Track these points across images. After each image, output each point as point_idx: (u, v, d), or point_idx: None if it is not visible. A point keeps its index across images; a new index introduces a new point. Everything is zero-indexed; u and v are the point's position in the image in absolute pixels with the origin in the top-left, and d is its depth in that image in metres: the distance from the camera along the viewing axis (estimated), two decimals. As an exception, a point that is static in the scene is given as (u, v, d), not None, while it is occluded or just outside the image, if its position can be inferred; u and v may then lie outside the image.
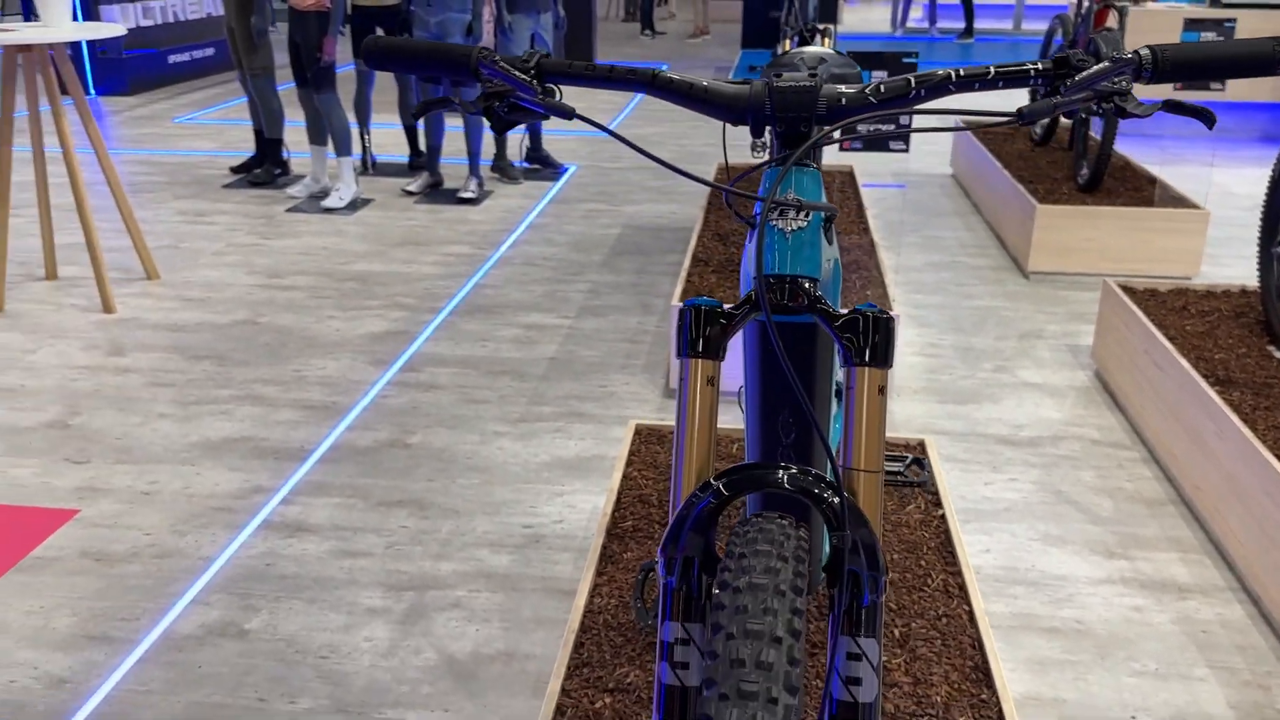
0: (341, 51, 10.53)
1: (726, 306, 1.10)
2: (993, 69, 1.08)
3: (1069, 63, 1.06)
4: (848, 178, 5.19)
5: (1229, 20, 5.66)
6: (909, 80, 1.09)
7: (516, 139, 7.06)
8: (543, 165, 6.49)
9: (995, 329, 4.05)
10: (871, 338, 1.04)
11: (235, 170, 6.32)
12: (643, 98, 9.15)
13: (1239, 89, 8.74)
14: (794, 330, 1.18)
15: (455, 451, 3.11)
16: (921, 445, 2.58)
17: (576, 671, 1.78)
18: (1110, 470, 3.03)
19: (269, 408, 3.38)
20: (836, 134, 1.12)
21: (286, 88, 8.56)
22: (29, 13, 9.87)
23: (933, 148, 7.18)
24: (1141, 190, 4.81)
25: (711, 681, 0.81)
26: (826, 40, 4.26)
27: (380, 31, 5.74)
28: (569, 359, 3.76)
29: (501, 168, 6.27)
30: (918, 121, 3.67)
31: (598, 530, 2.23)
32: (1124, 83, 1.02)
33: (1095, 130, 5.36)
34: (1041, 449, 3.15)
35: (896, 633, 1.88)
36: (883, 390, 1.04)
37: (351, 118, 6.36)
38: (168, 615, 2.39)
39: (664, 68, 1.17)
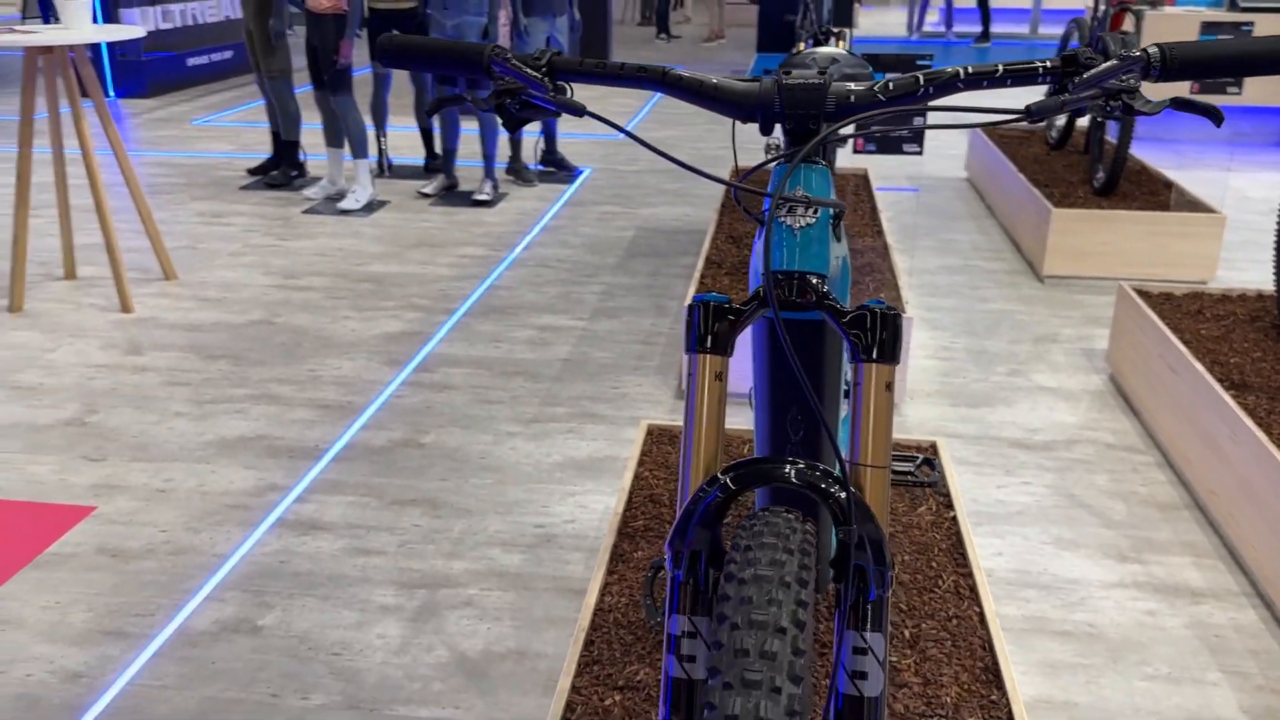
0: (358, 54, 10.58)
1: (735, 303, 1.11)
2: (1001, 67, 1.08)
3: (1077, 61, 1.06)
4: (862, 180, 5.18)
5: (1246, 23, 5.63)
6: (917, 78, 1.09)
7: (532, 142, 7.09)
8: (558, 168, 6.51)
9: (1009, 332, 4.04)
10: (879, 334, 1.05)
11: (253, 172, 6.36)
12: (658, 100, 9.17)
13: (1256, 92, 8.69)
14: (803, 327, 1.19)
15: (468, 451, 3.12)
16: (933, 447, 2.58)
17: (586, 669, 1.78)
18: (1124, 474, 3.02)
19: (284, 407, 3.40)
20: (849, 129, 1.13)
21: (305, 91, 8.61)
22: (48, 15, 9.97)
23: (947, 151, 7.16)
24: (1157, 194, 4.79)
25: (716, 671, 0.81)
26: (841, 43, 4.26)
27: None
28: (582, 360, 3.77)
29: (517, 170, 6.29)
30: (927, 119, 3.67)
31: (609, 529, 2.24)
32: (1132, 81, 1.02)
33: (1111, 134, 5.34)
34: (1055, 453, 3.14)
35: (907, 633, 1.88)
36: (890, 386, 1.05)
37: (368, 120, 6.40)
38: (182, 611, 2.41)
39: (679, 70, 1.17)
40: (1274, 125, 8.13)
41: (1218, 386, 2.75)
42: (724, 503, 1.00)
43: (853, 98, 1.10)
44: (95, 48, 9.09)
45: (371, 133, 6.59)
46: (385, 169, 6.46)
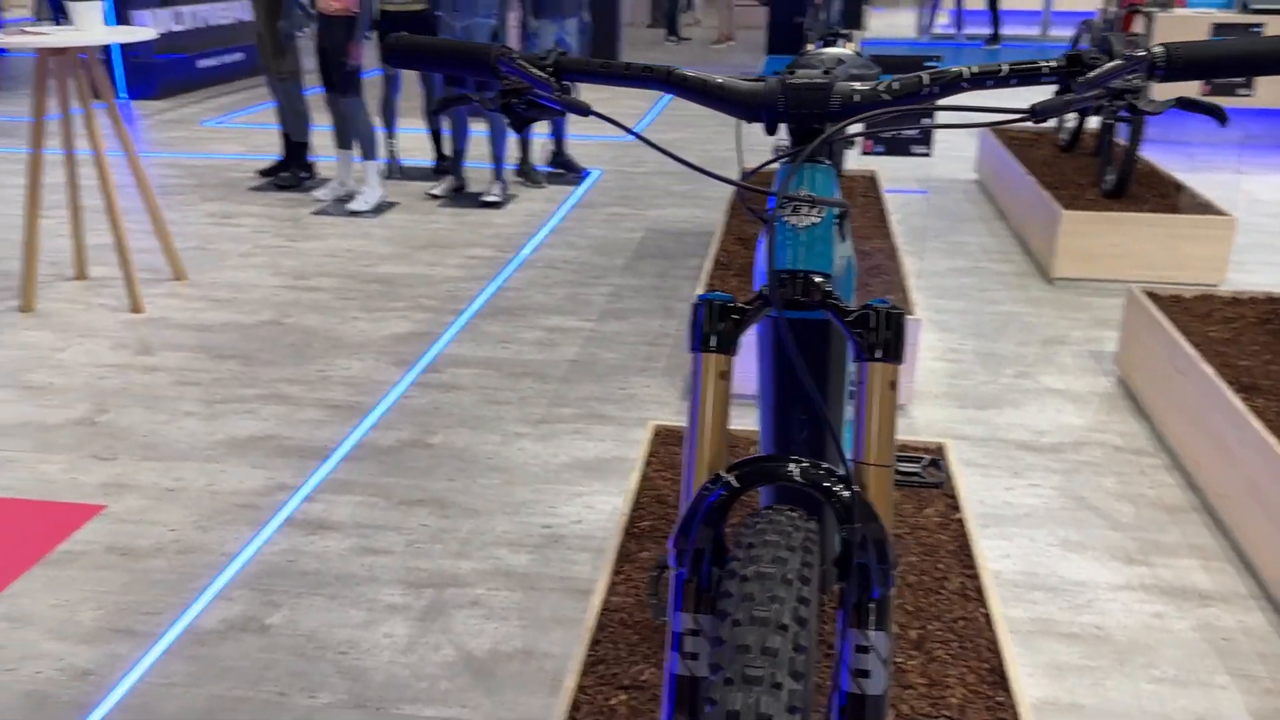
0: (368, 56, 10.62)
1: (740, 302, 1.11)
2: (1005, 66, 1.09)
3: (1082, 61, 1.06)
4: (870, 182, 5.18)
5: (1257, 25, 5.61)
6: (921, 78, 1.09)
7: (540, 144, 7.10)
8: (566, 169, 6.52)
9: (1018, 334, 4.04)
10: (883, 333, 1.05)
11: (263, 173, 6.39)
12: (668, 102, 9.17)
13: (1269, 94, 8.65)
14: (807, 327, 1.19)
15: (476, 452, 3.13)
16: (940, 449, 2.58)
17: (592, 669, 1.79)
18: (1132, 477, 3.01)
19: (293, 407, 3.41)
20: (856, 128, 1.13)
21: (316, 92, 8.64)
22: (59, 16, 10.03)
23: (957, 153, 7.15)
24: (1168, 196, 4.77)
25: (717, 667, 0.82)
26: (850, 45, 4.25)
27: (406, 36, 5.78)
28: (590, 361, 3.78)
29: (525, 172, 6.30)
30: (933, 119, 3.67)
31: (616, 530, 2.24)
32: (1136, 81, 1.02)
33: (1122, 136, 5.33)
34: (1063, 455, 3.14)
35: (913, 635, 1.88)
36: (894, 385, 1.05)
37: (378, 122, 6.42)
38: (190, 610, 2.42)
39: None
40: (1285, 127, 8.09)
41: (1227, 389, 2.74)
42: (727, 501, 1.01)
43: (857, 97, 1.10)
44: (107, 49, 9.13)
45: (381, 134, 6.61)
46: (395, 170, 6.47)
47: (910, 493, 2.36)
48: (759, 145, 7.54)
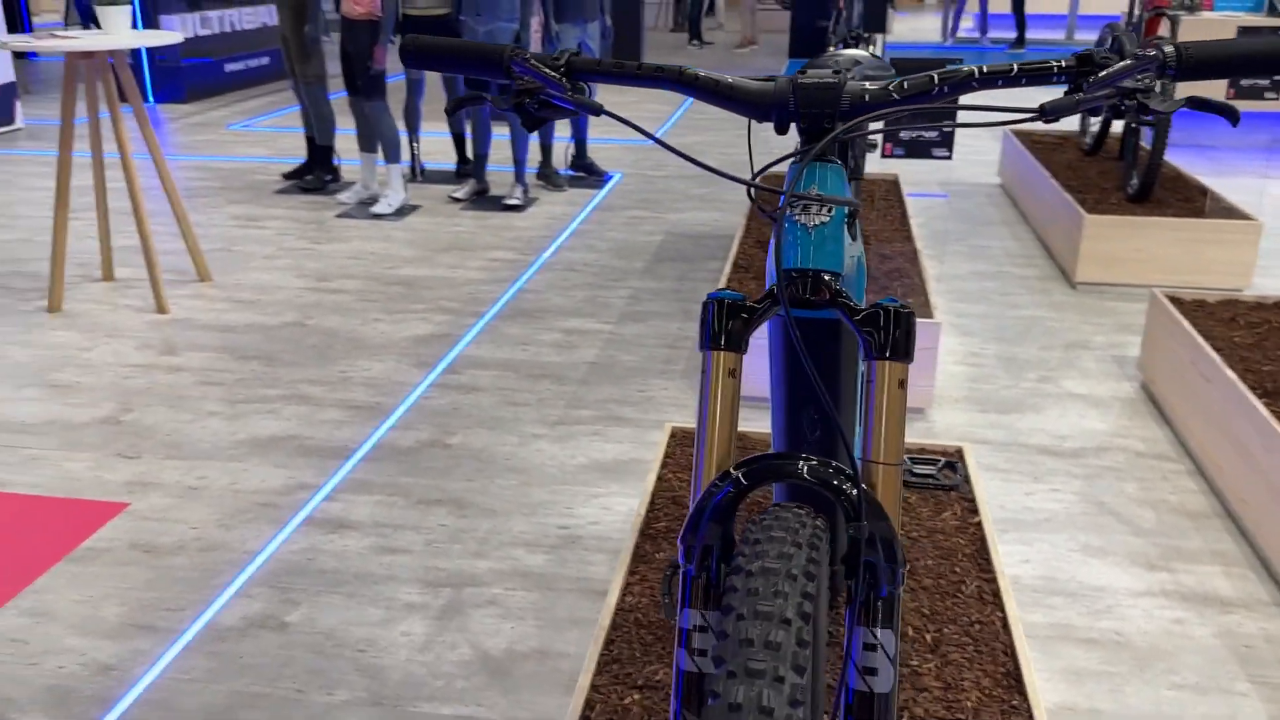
0: (392, 60, 10.70)
1: (750, 301, 1.11)
2: (1016, 66, 1.09)
3: (1092, 60, 1.06)
4: (892, 185, 5.17)
5: (1285, 28, 5.56)
6: (932, 77, 1.10)
7: (562, 147, 7.13)
8: (588, 173, 6.54)
9: (1040, 339, 4.01)
10: (892, 332, 1.05)
11: (287, 176, 6.44)
12: (690, 106, 9.18)
13: (1298, 99, 8.56)
14: (819, 326, 1.19)
15: (494, 452, 3.15)
16: (959, 453, 2.57)
17: (606, 668, 1.79)
18: (1154, 482, 2.99)
19: (315, 407, 3.44)
20: (873, 127, 1.13)
21: (340, 96, 8.71)
22: (88, 21, 10.16)
23: (980, 157, 7.12)
24: (1192, 201, 4.73)
25: (721, 660, 0.82)
26: (871, 48, 4.25)
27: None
28: (609, 363, 3.79)
29: (547, 175, 6.32)
30: (941, 118, 3.64)
31: (631, 530, 2.25)
32: (1147, 80, 1.02)
33: (1146, 140, 5.29)
34: (1084, 460, 3.11)
35: (929, 638, 1.87)
36: (903, 384, 1.05)
37: (401, 126, 6.47)
38: (211, 607, 2.44)
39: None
40: (1314, 132, 8.00)
41: (1250, 395, 2.72)
42: (736, 498, 1.01)
43: (867, 97, 1.10)
44: (135, 54, 9.24)
45: (404, 138, 6.65)
46: (418, 174, 6.51)
47: (927, 495, 2.35)
48: (780, 148, 7.53)
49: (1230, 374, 2.84)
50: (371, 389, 3.58)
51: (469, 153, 6.60)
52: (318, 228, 5.50)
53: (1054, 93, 9.09)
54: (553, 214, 5.76)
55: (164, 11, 9.09)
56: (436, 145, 7.40)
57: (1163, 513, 2.83)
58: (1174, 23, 4.96)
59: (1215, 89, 8.14)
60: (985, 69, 1.09)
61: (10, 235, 5.38)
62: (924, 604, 1.97)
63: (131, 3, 8.60)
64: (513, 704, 2.13)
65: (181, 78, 9.28)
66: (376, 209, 5.69)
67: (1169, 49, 1.03)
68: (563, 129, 7.77)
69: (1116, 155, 5.58)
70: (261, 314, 4.27)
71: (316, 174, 6.24)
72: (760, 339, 3.30)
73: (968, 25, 15.29)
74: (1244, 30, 5.37)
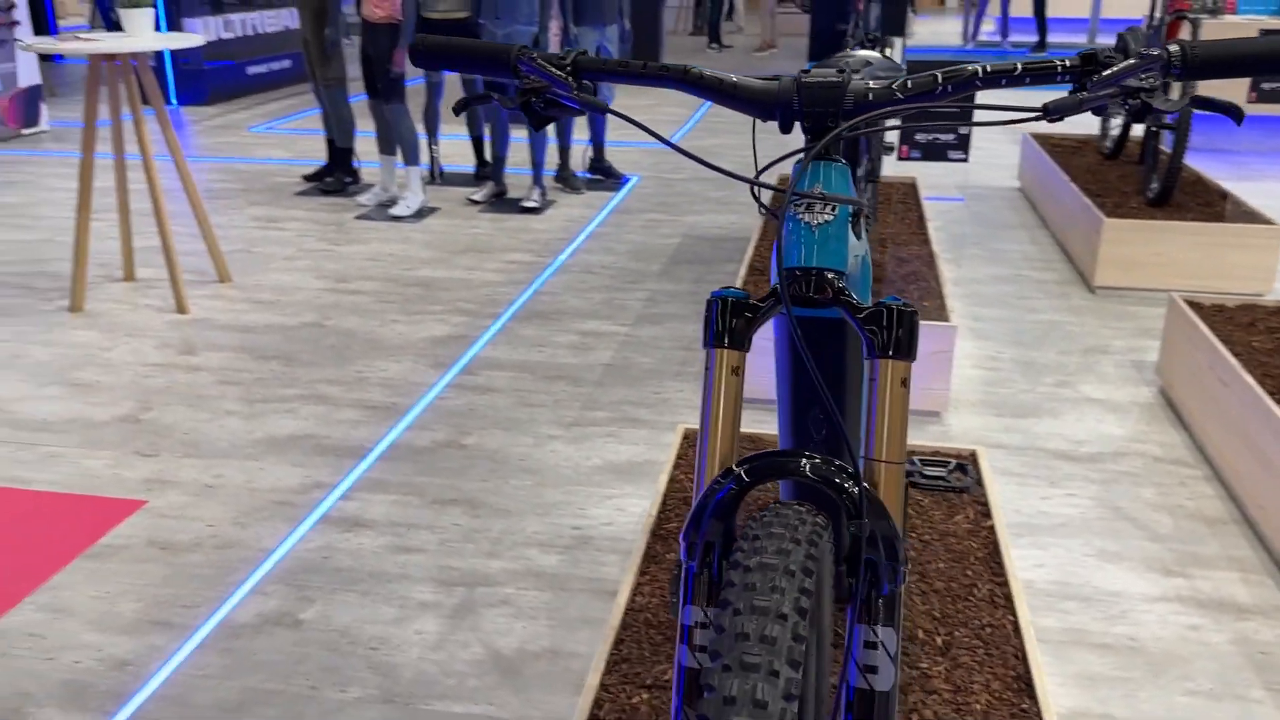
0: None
1: (754, 299, 1.12)
2: (1019, 65, 1.08)
3: (1096, 59, 1.06)
4: (910, 189, 5.15)
5: (1308, 31, 5.51)
6: (935, 76, 1.10)
7: (580, 150, 7.14)
8: (605, 176, 6.55)
9: (1058, 343, 3.99)
10: (895, 330, 1.05)
11: (308, 178, 6.49)
12: (707, 109, 9.18)
13: (1323, 103, 8.48)
14: (823, 325, 1.19)
15: (509, 453, 3.16)
16: (973, 456, 2.56)
17: (615, 667, 1.80)
18: (1171, 488, 2.97)
19: (332, 407, 3.46)
20: (892, 122, 1.13)
21: (361, 99, 8.76)
22: (110, 25, 10.27)
23: (999, 160, 7.09)
24: (1213, 205, 4.70)
25: (717, 654, 0.82)
26: (889, 51, 4.24)
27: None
28: (624, 365, 3.79)
29: (565, 178, 6.34)
30: (942, 117, 3.62)
31: (642, 530, 2.25)
32: (1151, 80, 1.02)
33: (1167, 144, 5.25)
34: (1101, 465, 3.10)
35: (939, 640, 1.87)
36: (905, 383, 1.05)
37: (421, 129, 6.50)
38: (227, 603, 2.46)
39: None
40: (1340, 136, 7.92)
41: (1269, 400, 2.69)
42: (738, 495, 1.01)
43: (870, 96, 1.10)
44: (159, 56, 9.33)
45: (424, 140, 6.69)
46: (436, 176, 6.54)
47: (940, 499, 2.35)
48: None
49: (1249, 379, 2.82)
50: (388, 389, 3.60)
51: (487, 155, 6.63)
52: (337, 229, 5.54)
53: (1060, 93, 9.03)
54: (570, 216, 5.77)
55: (187, 14, 9.18)
56: (455, 148, 7.43)
57: (1179, 518, 2.81)
58: (1195, 25, 4.93)
59: (1237, 92, 8.08)
60: (989, 68, 1.09)
61: (33, 235, 5.44)
62: (935, 607, 1.96)
63: (154, 6, 8.67)
64: (524, 703, 2.13)
65: (204, 80, 9.36)
66: (395, 211, 5.73)
67: (1174, 48, 1.03)
68: (580, 132, 7.79)
69: (1137, 159, 5.55)
70: (280, 314, 4.30)
71: (336, 176, 6.28)
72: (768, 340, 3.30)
73: (989, 29, 15.23)
74: (1266, 34, 5.33)
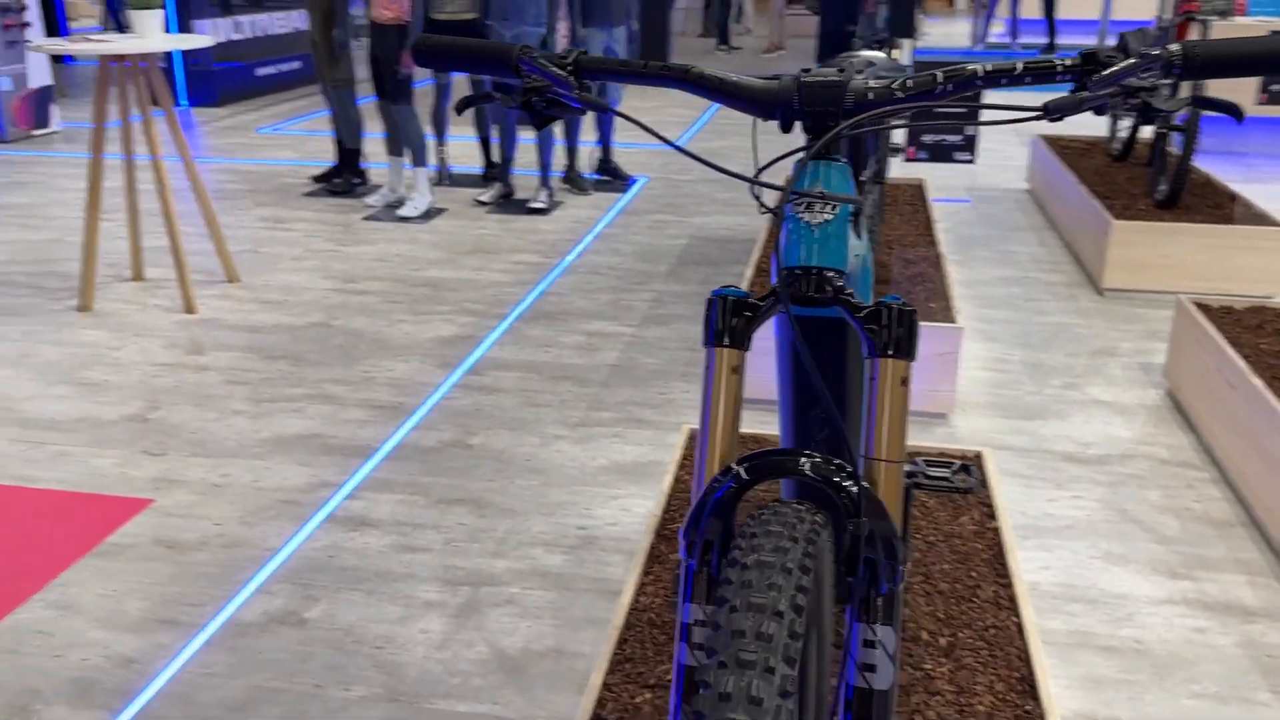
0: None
1: (754, 298, 1.12)
2: (1020, 64, 1.08)
3: (1097, 59, 1.06)
4: (917, 190, 5.15)
5: (1318, 33, 5.49)
6: (935, 75, 1.10)
7: (588, 151, 7.15)
8: (613, 177, 6.56)
9: (1066, 345, 3.98)
10: (895, 330, 1.05)
11: (316, 179, 6.51)
12: (715, 111, 9.18)
13: (1334, 105, 8.44)
14: (824, 324, 1.20)
15: (515, 453, 3.16)
16: (978, 457, 2.56)
17: (619, 667, 1.80)
18: (1178, 490, 2.96)
19: (338, 407, 3.47)
20: (891, 123, 1.13)
21: (369, 101, 8.78)
22: (120, 26, 10.29)
23: (1009, 162, 7.08)
24: (1222, 207, 4.68)
25: (713, 651, 0.82)
26: (896, 52, 4.23)
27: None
28: (630, 366, 3.80)
29: (572, 179, 6.35)
30: (943, 117, 3.62)
31: (647, 530, 2.26)
32: (1151, 79, 1.02)
33: (1176, 146, 5.24)
34: (1108, 467, 3.09)
35: (943, 642, 1.87)
36: (905, 382, 1.05)
37: (429, 130, 6.51)
38: (233, 602, 2.47)
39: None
40: (1351, 138, 7.89)
41: (1277, 402, 2.68)
42: (737, 493, 1.02)
43: (871, 95, 1.10)
44: (169, 58, 9.37)
45: (432, 142, 6.70)
46: (444, 177, 6.56)
47: (945, 500, 2.34)
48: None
49: (1257, 381, 2.81)
50: (395, 389, 3.61)
51: (495, 156, 6.64)
52: (345, 230, 5.55)
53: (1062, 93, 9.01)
54: (577, 217, 5.78)
55: (197, 16, 9.22)
56: (463, 149, 7.44)
57: (1186, 521, 2.80)
58: (1205, 27, 4.91)
59: (1246, 94, 8.05)
60: (989, 67, 1.09)
61: (43, 236, 5.47)
62: (939, 608, 1.96)
63: (163, 7, 8.71)
64: (528, 702, 2.14)
65: (214, 81, 9.39)
66: (403, 212, 5.74)
67: (1174, 47, 1.03)
68: (589, 133, 7.80)
69: (1146, 161, 5.53)
70: (288, 314, 4.32)
71: (345, 177, 6.29)
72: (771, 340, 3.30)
73: (998, 30, 15.20)
74: (1277, 35, 5.33)
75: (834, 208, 1.11)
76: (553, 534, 2.74)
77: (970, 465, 2.40)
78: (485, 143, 6.55)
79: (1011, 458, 3.14)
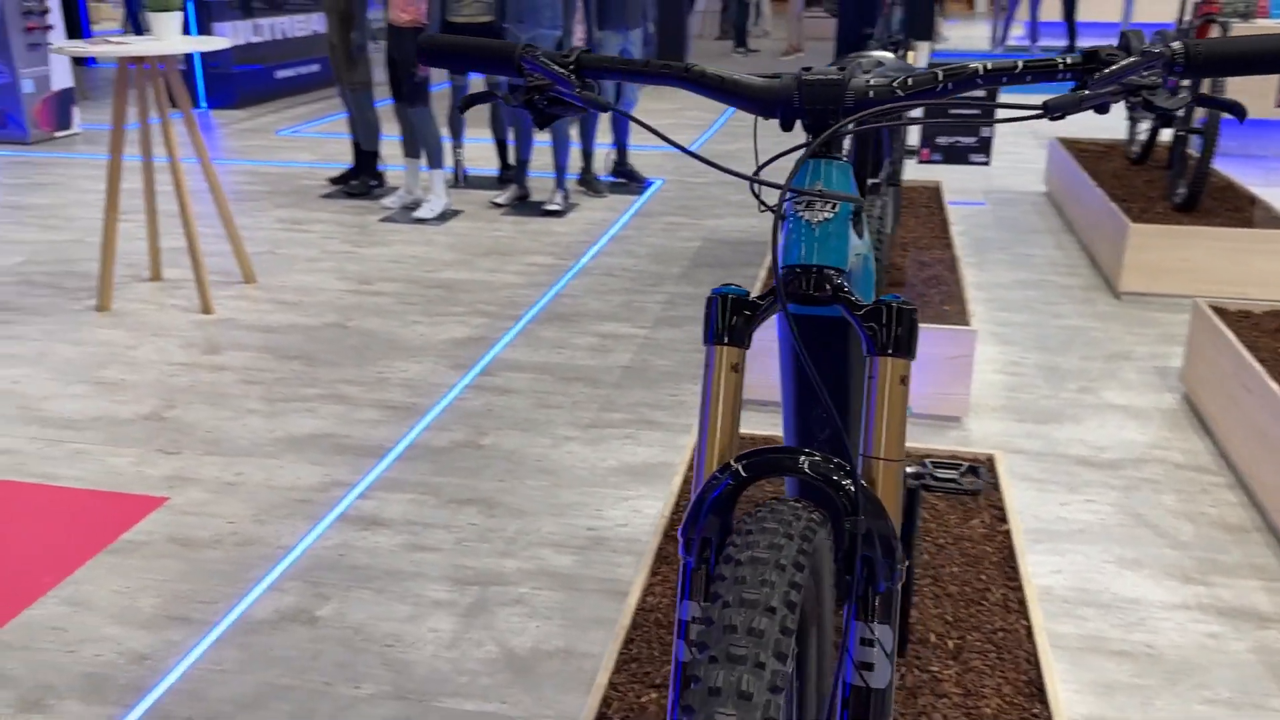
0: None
1: (754, 296, 1.12)
2: (1020, 63, 1.08)
3: (1098, 57, 1.05)
4: (934, 193, 5.13)
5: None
6: (936, 74, 1.09)
7: (603, 154, 7.16)
8: (628, 179, 6.56)
9: (1082, 349, 3.96)
10: (895, 328, 1.05)
11: (334, 181, 6.54)
12: (731, 115, 9.18)
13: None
14: (826, 323, 1.19)
15: (526, 454, 3.17)
16: (990, 460, 2.54)
17: (625, 666, 1.80)
18: (1194, 495, 2.93)
19: (352, 407, 3.49)
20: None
21: (387, 104, 8.82)
22: (138, 28, 10.38)
23: (1027, 165, 7.04)
24: (1241, 210, 4.65)
25: (704, 646, 0.82)
26: (911, 55, 4.22)
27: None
28: (642, 367, 3.80)
29: (588, 181, 6.36)
30: (943, 115, 3.60)
31: (655, 531, 2.26)
32: (1153, 78, 1.01)
33: (1195, 148, 5.20)
34: (1122, 471, 3.07)
35: (950, 644, 1.86)
36: (905, 381, 1.05)
37: (445, 132, 6.54)
38: (244, 600, 2.48)
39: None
40: (1374, 141, 7.81)
41: (1293, 406, 2.66)
42: (735, 490, 1.01)
43: (871, 93, 1.10)
44: (189, 60, 9.44)
45: (448, 144, 6.73)
46: (460, 179, 6.58)
47: (955, 503, 2.33)
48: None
49: (1273, 385, 2.79)
50: (408, 389, 3.62)
51: (511, 159, 6.66)
52: (361, 232, 5.58)
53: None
54: (592, 219, 5.79)
55: (217, 19, 9.28)
56: (480, 151, 7.47)
57: (1201, 525, 2.78)
58: (1225, 29, 4.88)
59: (1266, 96, 7.97)
60: (990, 66, 1.08)
61: (64, 236, 5.52)
62: (947, 611, 1.95)
63: (184, 9, 8.79)
64: (535, 701, 2.14)
65: (234, 84, 9.46)
66: (419, 213, 5.76)
67: (1176, 45, 1.02)
68: (604, 135, 7.81)
69: (1165, 164, 5.49)
70: (303, 315, 4.34)
71: (362, 179, 6.33)
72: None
73: (1018, 33, 15.13)
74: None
75: (834, 206, 1.11)
76: (562, 534, 2.74)
77: (978, 467, 2.39)
78: (501, 145, 6.57)
79: (1025, 461, 3.12)
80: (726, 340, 1.10)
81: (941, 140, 4.14)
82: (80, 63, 12.26)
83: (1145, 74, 1.01)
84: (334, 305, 4.45)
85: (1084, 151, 5.85)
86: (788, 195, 1.06)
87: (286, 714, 2.11)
